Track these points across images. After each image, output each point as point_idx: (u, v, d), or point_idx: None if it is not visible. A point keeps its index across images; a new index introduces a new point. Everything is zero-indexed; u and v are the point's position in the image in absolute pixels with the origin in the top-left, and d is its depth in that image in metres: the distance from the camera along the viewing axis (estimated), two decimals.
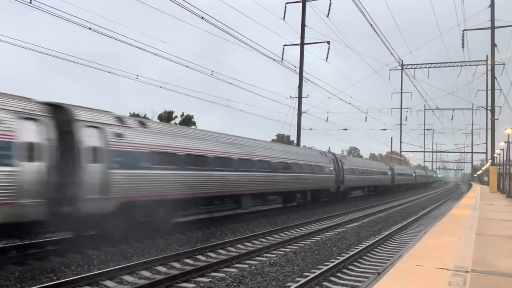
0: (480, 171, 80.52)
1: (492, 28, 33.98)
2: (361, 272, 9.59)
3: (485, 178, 63.50)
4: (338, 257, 10.82)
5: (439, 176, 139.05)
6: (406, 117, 75.63)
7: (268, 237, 13.86)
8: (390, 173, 47.74)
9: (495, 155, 36.93)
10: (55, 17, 16.31)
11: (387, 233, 15.17)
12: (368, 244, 12.46)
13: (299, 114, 38.02)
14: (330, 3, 33.56)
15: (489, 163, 43.03)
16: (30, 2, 15.59)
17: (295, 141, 39.12)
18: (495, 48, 34.31)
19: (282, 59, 34.32)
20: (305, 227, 16.78)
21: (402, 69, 60.90)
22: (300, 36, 37.31)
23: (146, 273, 8.81)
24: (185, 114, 55.69)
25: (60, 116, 9.97)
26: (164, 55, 22.23)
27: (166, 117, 54.43)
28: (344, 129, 53.71)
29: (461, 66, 50.89)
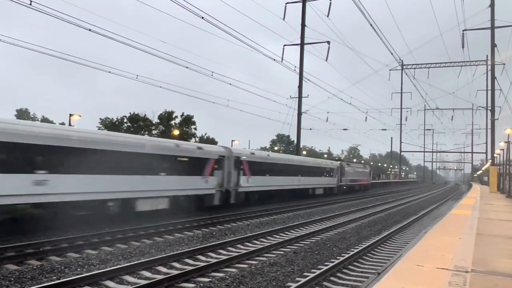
0: (480, 171, 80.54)
1: (492, 28, 33.99)
2: (361, 272, 9.59)
3: (485, 178, 63.51)
4: (338, 257, 10.82)
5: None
6: (406, 117, 76.01)
7: (268, 237, 13.85)
8: None
9: (495, 155, 36.92)
10: (55, 18, 16.31)
11: (387, 233, 15.16)
12: (368, 244, 12.46)
13: (299, 114, 38.04)
14: (330, 3, 33.61)
15: (489, 163, 43.02)
16: (30, 4, 15.59)
17: (295, 141, 39.18)
18: (495, 48, 34.32)
19: (282, 59, 34.31)
20: (305, 227, 16.78)
21: (402, 69, 61.01)
22: (300, 36, 37.32)
23: (146, 273, 8.81)
24: (185, 114, 55.66)
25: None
26: (163, 55, 22.22)
27: (166, 117, 54.39)
28: (344, 129, 53.78)
29: (461, 66, 50.99)
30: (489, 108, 38.83)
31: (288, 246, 12.24)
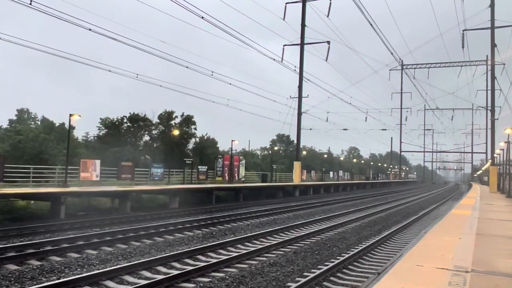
0: (480, 171, 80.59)
1: (492, 28, 34.02)
2: (361, 272, 9.59)
3: (485, 178, 63.57)
4: (338, 257, 10.82)
5: None
6: (406, 117, 76.07)
7: (268, 237, 13.85)
8: None
9: (495, 155, 36.94)
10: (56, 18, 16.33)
11: (387, 233, 15.17)
12: (368, 244, 12.46)
13: (299, 114, 38.09)
14: (330, 3, 33.66)
15: (489, 163, 43.06)
16: (30, 3, 15.60)
17: (295, 141, 39.19)
18: (495, 48, 34.35)
19: (282, 59, 34.36)
20: (305, 227, 16.78)
21: (402, 69, 61.10)
22: (300, 36, 37.36)
23: (146, 273, 8.81)
24: (185, 114, 55.63)
25: None
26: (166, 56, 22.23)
27: (166, 117, 54.41)
28: (344, 129, 53.78)
29: (461, 66, 51.06)
30: (489, 108, 38.90)
31: (288, 246, 12.24)
